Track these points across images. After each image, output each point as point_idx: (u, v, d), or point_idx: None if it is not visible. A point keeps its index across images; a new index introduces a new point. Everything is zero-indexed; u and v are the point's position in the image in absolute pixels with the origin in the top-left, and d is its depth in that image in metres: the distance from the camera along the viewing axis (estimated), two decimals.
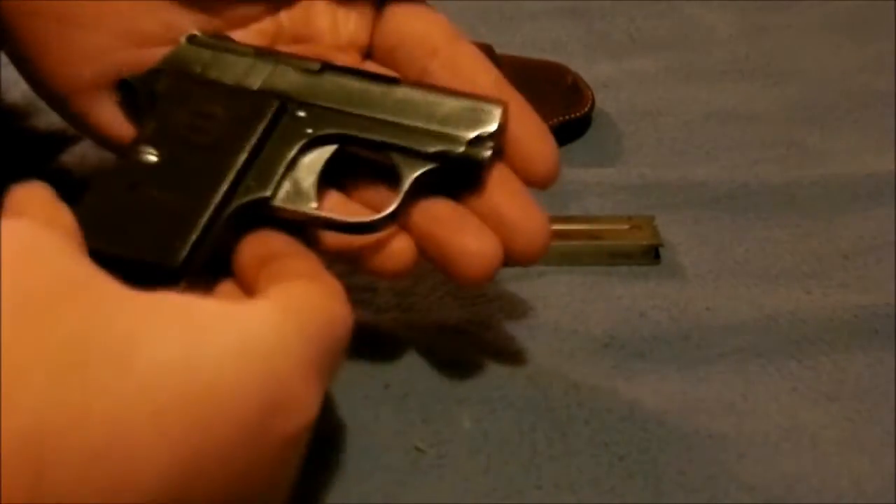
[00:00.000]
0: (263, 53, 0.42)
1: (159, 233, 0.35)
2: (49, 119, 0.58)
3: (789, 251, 0.54)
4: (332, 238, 0.39)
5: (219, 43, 0.42)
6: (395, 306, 0.49)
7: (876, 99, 0.66)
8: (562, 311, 0.49)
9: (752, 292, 0.51)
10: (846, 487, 0.41)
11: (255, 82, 0.40)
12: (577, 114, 0.61)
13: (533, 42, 0.70)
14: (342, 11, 0.44)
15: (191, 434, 0.26)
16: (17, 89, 0.60)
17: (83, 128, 0.43)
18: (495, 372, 0.46)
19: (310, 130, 0.39)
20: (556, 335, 0.48)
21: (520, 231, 0.40)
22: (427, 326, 0.48)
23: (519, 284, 0.51)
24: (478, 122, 0.40)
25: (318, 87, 0.40)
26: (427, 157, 0.40)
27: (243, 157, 0.38)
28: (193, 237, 0.35)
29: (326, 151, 0.40)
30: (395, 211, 0.39)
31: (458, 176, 0.40)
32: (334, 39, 0.44)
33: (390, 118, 0.40)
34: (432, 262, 0.40)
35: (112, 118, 0.42)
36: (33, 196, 0.32)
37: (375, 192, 0.41)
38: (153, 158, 0.37)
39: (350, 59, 0.44)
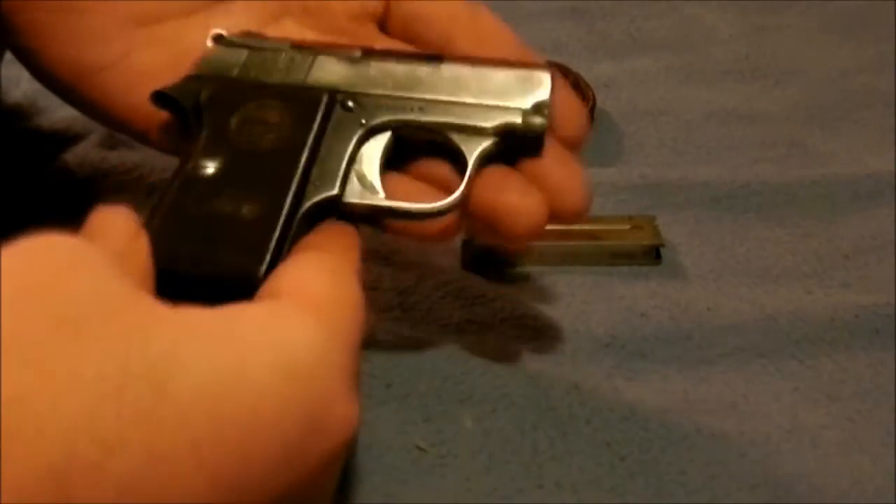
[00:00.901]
0: (299, 46, 0.40)
1: (236, 246, 0.34)
2: (50, 119, 0.58)
3: (790, 251, 0.54)
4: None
5: (250, 41, 0.41)
6: (397, 305, 0.49)
7: (876, 99, 0.66)
8: (563, 310, 0.49)
9: (753, 292, 0.51)
10: (847, 487, 0.42)
11: (300, 77, 0.39)
12: None
13: (534, 42, 0.69)
14: None
15: (230, 462, 0.25)
16: (19, 89, 0.60)
17: (92, 112, 0.43)
18: (497, 371, 0.46)
19: (364, 121, 0.39)
20: (558, 335, 0.48)
21: (564, 189, 0.39)
22: (429, 326, 0.48)
23: (520, 284, 0.51)
24: (530, 90, 0.40)
25: (364, 76, 0.40)
26: (487, 133, 0.39)
27: (304, 157, 0.37)
28: (272, 246, 0.34)
29: (383, 139, 0.39)
30: (463, 193, 0.38)
31: (518, 147, 0.40)
32: (347, 9, 0.43)
33: (443, 98, 0.39)
34: (479, 221, 0.40)
35: (119, 100, 0.41)
36: (113, 223, 0.31)
37: (433, 167, 0.40)
38: (212, 171, 0.36)
39: (366, 31, 0.43)
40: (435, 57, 0.41)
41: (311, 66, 0.40)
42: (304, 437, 0.27)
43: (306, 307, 0.30)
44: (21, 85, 0.60)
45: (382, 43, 0.43)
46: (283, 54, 0.40)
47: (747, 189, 0.57)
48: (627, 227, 0.53)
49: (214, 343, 0.27)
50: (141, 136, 0.42)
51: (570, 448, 0.43)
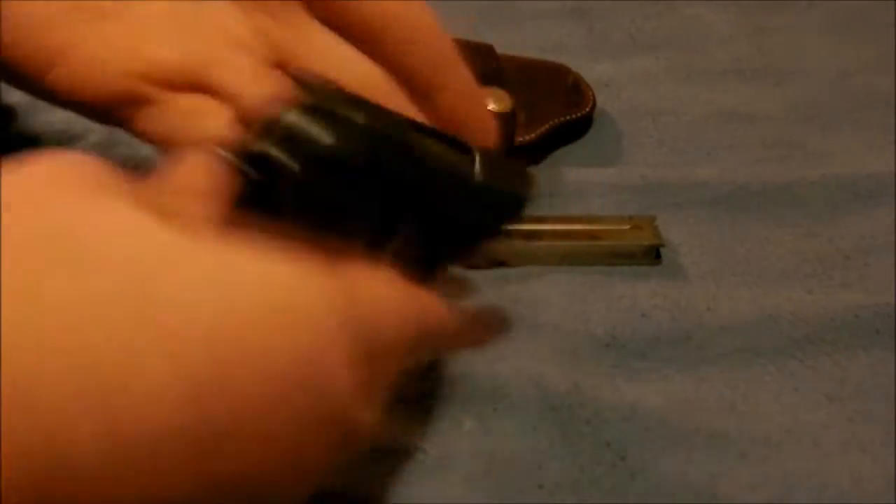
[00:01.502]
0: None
1: None
2: (50, 118, 0.58)
3: (790, 251, 0.54)
4: None
5: (325, 107, 0.35)
6: None
7: (876, 99, 0.66)
8: (563, 311, 0.49)
9: (753, 292, 0.51)
10: (847, 487, 0.42)
11: None
12: (578, 114, 0.61)
13: (533, 42, 0.70)
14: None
15: (221, 398, 0.26)
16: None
17: (53, 97, 0.43)
18: (497, 372, 0.46)
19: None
20: (558, 335, 0.48)
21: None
22: None
23: (520, 285, 0.51)
24: None
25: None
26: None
27: None
28: None
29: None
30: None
31: None
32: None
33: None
34: None
35: (82, 80, 0.41)
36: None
37: None
38: None
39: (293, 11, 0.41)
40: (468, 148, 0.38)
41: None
42: (294, 384, 0.27)
43: (325, 265, 0.30)
44: None
45: (318, 33, 0.41)
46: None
47: (747, 189, 0.57)
48: (627, 227, 0.53)
49: (203, 286, 0.27)
50: (102, 116, 0.42)
51: (571, 448, 0.43)
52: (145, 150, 0.56)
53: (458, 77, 0.41)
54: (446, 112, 0.41)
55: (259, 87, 0.40)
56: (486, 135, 0.41)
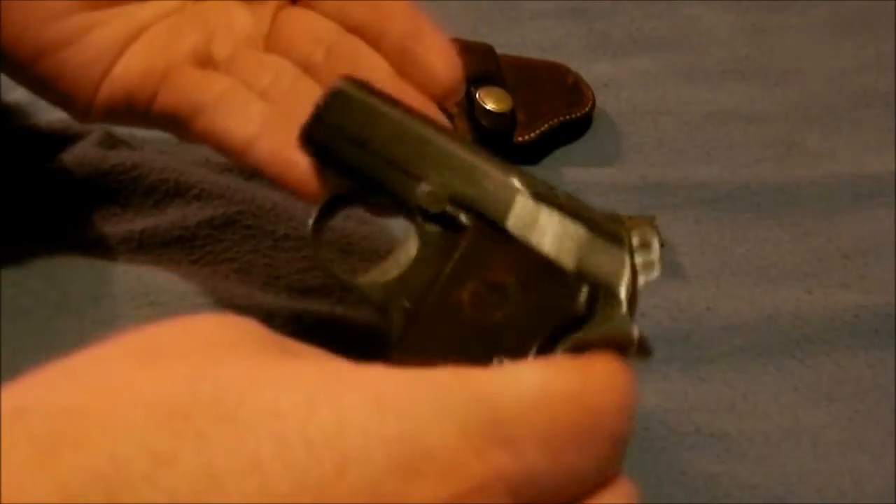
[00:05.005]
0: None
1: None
2: (49, 118, 0.58)
3: (790, 251, 0.54)
4: None
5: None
6: None
7: (876, 99, 0.66)
8: None
9: (753, 292, 0.51)
10: (847, 487, 0.42)
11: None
12: (578, 114, 0.61)
13: (533, 42, 0.70)
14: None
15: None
16: (18, 88, 0.59)
17: (43, 91, 0.44)
18: None
19: None
20: None
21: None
22: None
23: None
24: None
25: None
26: None
27: None
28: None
29: None
30: None
31: None
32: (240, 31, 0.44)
33: None
34: None
35: (74, 78, 0.42)
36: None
37: None
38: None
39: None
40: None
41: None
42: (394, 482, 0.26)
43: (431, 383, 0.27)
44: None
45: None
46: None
47: (747, 189, 0.57)
48: None
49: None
50: (82, 113, 0.43)
51: None
52: (143, 150, 0.56)
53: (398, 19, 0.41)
54: (395, 53, 0.41)
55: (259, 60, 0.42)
56: (446, 63, 0.40)
